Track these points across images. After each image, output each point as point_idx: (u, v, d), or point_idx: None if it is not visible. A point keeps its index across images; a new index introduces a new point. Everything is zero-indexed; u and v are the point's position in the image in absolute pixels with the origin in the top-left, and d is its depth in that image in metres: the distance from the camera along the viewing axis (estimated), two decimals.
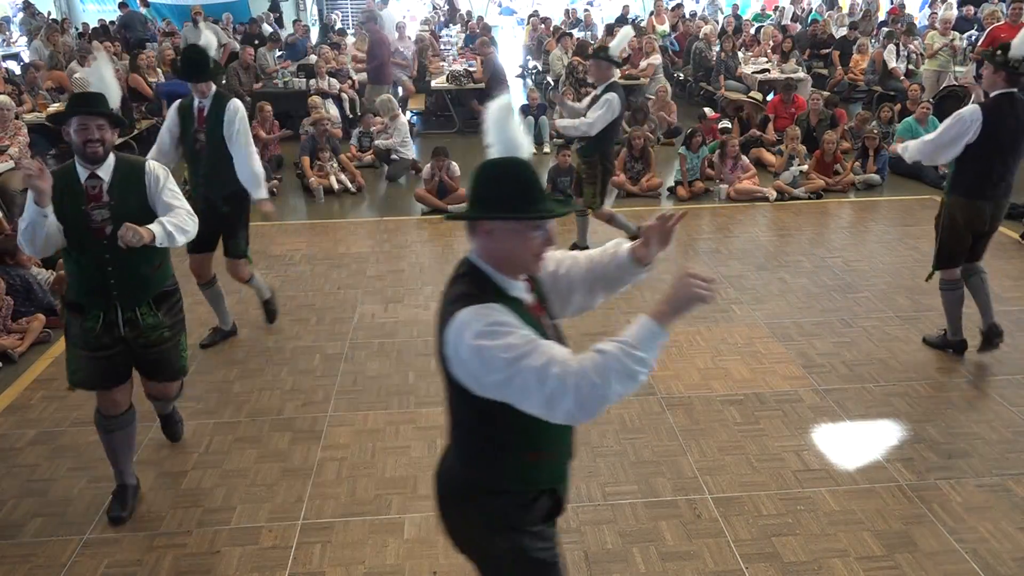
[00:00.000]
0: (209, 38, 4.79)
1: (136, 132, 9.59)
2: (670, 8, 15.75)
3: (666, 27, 14.74)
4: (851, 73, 11.86)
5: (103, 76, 3.26)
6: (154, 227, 3.05)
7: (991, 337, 4.64)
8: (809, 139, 8.87)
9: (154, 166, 3.21)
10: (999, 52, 4.38)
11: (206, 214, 4.19)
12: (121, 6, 15.40)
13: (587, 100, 6.11)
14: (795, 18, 16.23)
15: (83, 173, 3.07)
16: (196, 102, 4.59)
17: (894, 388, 4.43)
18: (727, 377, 4.57)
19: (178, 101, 4.72)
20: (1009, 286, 5.72)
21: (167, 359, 3.39)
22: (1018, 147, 4.38)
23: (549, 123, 9.88)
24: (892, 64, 10.95)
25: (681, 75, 13.25)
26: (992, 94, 4.40)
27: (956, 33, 10.74)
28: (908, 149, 4.63)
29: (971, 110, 4.32)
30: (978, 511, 3.43)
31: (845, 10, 16.69)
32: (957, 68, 10.61)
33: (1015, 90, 4.33)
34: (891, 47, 11.07)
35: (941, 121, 8.56)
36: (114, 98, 3.25)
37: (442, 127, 11.39)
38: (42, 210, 2.92)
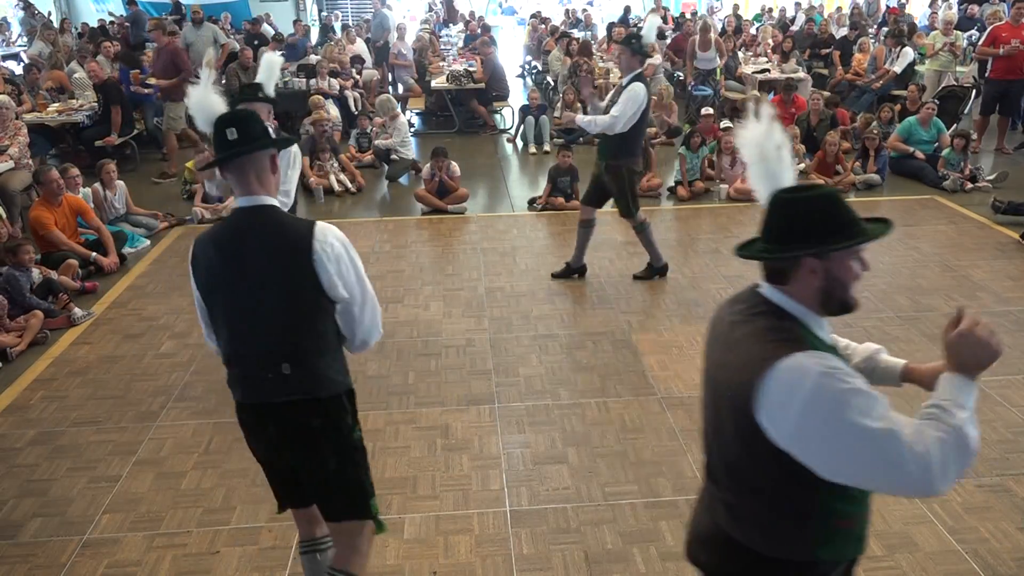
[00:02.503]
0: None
1: (136, 132, 9.57)
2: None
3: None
4: (852, 72, 11.84)
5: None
6: None
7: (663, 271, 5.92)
8: (809, 139, 8.87)
9: None
10: (635, 40, 5.29)
11: None
12: (130, 3, 15.33)
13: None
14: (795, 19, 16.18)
15: None
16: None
17: (894, 388, 4.41)
18: None
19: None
20: (1009, 286, 5.71)
21: None
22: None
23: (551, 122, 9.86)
24: (888, 63, 10.96)
25: (682, 75, 13.21)
26: (632, 74, 5.25)
27: (958, 33, 10.73)
28: (596, 123, 5.32)
29: (642, 88, 5.18)
30: (978, 511, 3.43)
31: (846, 9, 16.67)
32: (959, 68, 10.61)
33: (642, 70, 5.37)
34: (907, 49, 11.05)
35: (944, 121, 8.70)
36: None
37: (442, 127, 11.39)
38: None
